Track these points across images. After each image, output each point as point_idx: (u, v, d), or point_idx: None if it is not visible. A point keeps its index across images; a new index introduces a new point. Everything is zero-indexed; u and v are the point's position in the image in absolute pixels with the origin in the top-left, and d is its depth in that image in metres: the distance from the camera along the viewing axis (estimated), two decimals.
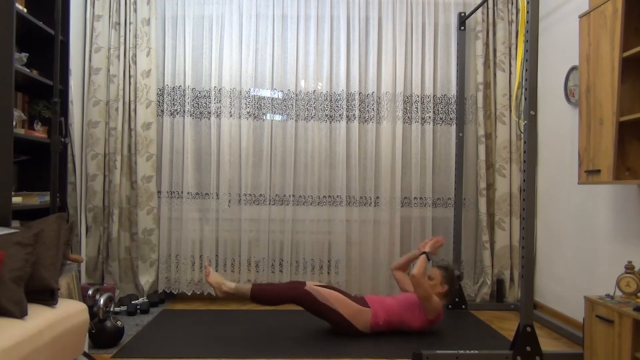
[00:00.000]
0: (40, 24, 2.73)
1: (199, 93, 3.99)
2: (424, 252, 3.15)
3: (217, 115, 3.98)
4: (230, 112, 3.96)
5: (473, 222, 4.10)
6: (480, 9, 4.00)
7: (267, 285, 3.10)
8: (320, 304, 3.04)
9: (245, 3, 3.98)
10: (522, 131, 2.81)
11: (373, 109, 4.01)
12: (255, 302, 3.07)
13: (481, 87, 4.00)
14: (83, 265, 3.82)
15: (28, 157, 2.95)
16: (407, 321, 3.11)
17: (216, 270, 3.98)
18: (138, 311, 3.57)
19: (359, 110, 4.03)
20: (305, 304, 3.06)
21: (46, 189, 2.92)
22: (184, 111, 3.96)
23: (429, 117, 4.04)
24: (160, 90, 3.99)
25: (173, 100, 3.97)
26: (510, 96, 4.01)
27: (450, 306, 3.86)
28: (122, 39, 3.88)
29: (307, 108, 4.01)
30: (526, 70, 2.68)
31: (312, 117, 4.00)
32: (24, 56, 2.75)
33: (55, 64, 2.63)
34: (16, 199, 2.60)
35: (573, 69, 3.41)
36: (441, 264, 3.32)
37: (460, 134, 3.98)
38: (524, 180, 2.69)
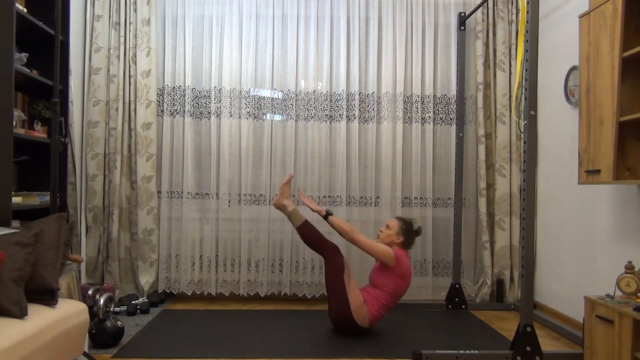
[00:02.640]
0: (40, 24, 2.73)
1: (199, 93, 3.99)
2: (327, 215, 3.18)
3: (217, 115, 3.98)
4: (230, 112, 3.96)
5: (473, 222, 4.10)
6: (480, 9, 4.00)
7: (316, 230, 3.27)
8: (341, 281, 3.07)
9: (245, 3, 3.98)
10: (522, 131, 2.81)
11: (373, 109, 4.02)
12: (300, 232, 3.28)
13: (481, 87, 4.00)
14: (83, 265, 3.82)
15: (28, 157, 2.95)
16: (381, 285, 3.10)
17: (216, 270, 3.98)
18: (138, 311, 3.57)
19: (359, 110, 4.03)
20: (329, 268, 3.12)
21: (46, 189, 2.92)
22: (184, 111, 3.96)
23: (429, 117, 4.04)
24: (160, 90, 3.99)
25: (173, 100, 3.97)
26: (510, 96, 4.01)
27: (450, 306, 3.86)
28: (122, 39, 3.88)
29: (307, 108, 4.01)
30: (526, 70, 2.68)
31: (312, 117, 4.00)
32: (24, 56, 2.75)
33: (55, 64, 2.63)
34: (16, 199, 2.60)
35: (573, 69, 3.41)
36: (402, 216, 3.33)
37: (460, 134, 3.98)
38: (524, 180, 2.69)
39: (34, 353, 1.82)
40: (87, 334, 2.69)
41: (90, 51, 3.88)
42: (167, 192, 3.97)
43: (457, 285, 3.86)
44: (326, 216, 3.19)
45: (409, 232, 3.21)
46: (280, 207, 3.36)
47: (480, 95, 4.00)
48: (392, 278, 3.09)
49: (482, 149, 4.00)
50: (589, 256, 3.20)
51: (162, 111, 3.98)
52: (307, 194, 3.99)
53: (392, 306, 3.15)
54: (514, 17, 4.05)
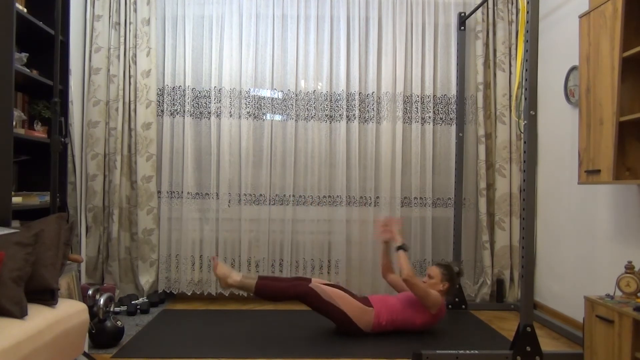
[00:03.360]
0: (40, 24, 2.73)
1: (199, 93, 3.99)
2: (399, 247, 3.13)
3: (217, 115, 3.98)
4: (230, 112, 3.96)
5: (473, 222, 4.10)
6: (480, 9, 4.00)
7: (272, 281, 3.08)
8: (324, 302, 3.04)
9: (245, 3, 3.98)
10: (522, 131, 2.80)
11: (373, 109, 4.01)
12: (260, 297, 3.06)
13: (481, 87, 4.00)
14: (83, 265, 3.82)
15: (28, 157, 2.95)
16: (410, 319, 3.11)
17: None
18: (138, 311, 3.57)
19: (359, 110, 4.03)
20: (309, 302, 3.06)
21: (46, 189, 2.92)
22: (184, 111, 3.96)
23: (429, 117, 4.04)
24: (160, 90, 3.99)
25: (173, 100, 3.97)
26: (510, 96, 4.01)
27: (450, 306, 3.86)
28: (122, 39, 3.88)
29: (307, 108, 4.01)
30: (526, 70, 2.68)
31: (312, 117, 4.00)
32: (24, 56, 2.75)
33: (55, 64, 2.63)
34: (16, 199, 2.60)
35: (573, 69, 3.41)
36: (441, 262, 3.32)
37: (460, 134, 3.98)
38: (524, 180, 2.69)
39: (34, 353, 1.82)
40: (87, 334, 2.69)
41: (90, 51, 3.88)
42: (167, 192, 3.97)
43: (457, 286, 3.85)
44: (399, 248, 3.13)
45: (452, 277, 3.21)
46: (230, 286, 3.08)
47: (480, 95, 4.00)
48: (424, 317, 3.11)
49: (482, 149, 4.00)
50: (589, 256, 3.20)
51: (162, 111, 3.98)
52: (308, 194, 3.99)
53: (401, 329, 3.16)
54: (514, 17, 4.05)
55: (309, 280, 3.12)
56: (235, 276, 3.07)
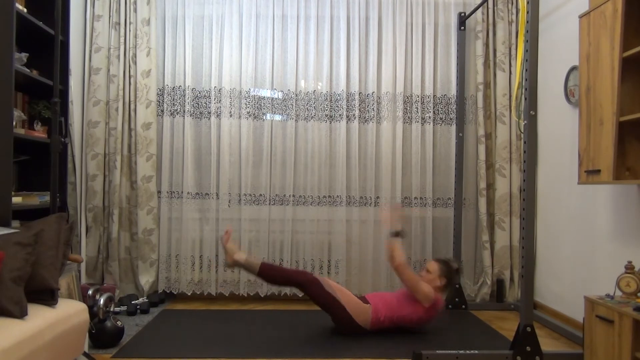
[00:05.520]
0: (40, 24, 2.73)
1: (199, 93, 3.99)
2: (395, 234, 3.11)
3: (217, 115, 3.98)
4: (230, 112, 3.97)
5: (473, 222, 4.10)
6: (480, 9, 4.00)
7: (277, 266, 3.14)
8: (326, 293, 3.05)
9: (245, 3, 3.98)
10: (522, 131, 2.81)
11: (373, 109, 4.01)
12: (263, 278, 3.10)
13: (481, 87, 4.00)
14: (83, 265, 3.82)
15: (28, 157, 2.95)
16: (407, 315, 3.10)
17: (216, 270, 3.98)
18: (138, 311, 3.57)
19: (359, 110, 4.03)
20: (311, 291, 3.06)
21: (46, 189, 2.92)
22: (184, 111, 3.96)
23: (429, 117, 4.04)
24: (160, 90, 3.99)
25: (173, 100, 3.97)
26: (510, 96, 4.01)
27: (450, 306, 3.86)
28: (122, 39, 3.88)
29: (307, 108, 4.01)
30: (526, 70, 2.68)
31: (312, 117, 4.00)
32: (24, 56, 2.75)
33: (55, 64, 2.63)
34: (16, 199, 2.60)
35: (573, 69, 3.41)
36: (440, 257, 3.32)
37: (460, 134, 3.98)
38: (524, 180, 2.69)
39: (34, 353, 1.82)
40: (87, 334, 2.69)
41: (90, 51, 3.88)
42: (167, 192, 3.97)
43: (457, 285, 3.86)
44: (396, 233, 3.12)
45: (450, 273, 3.20)
46: (235, 264, 3.13)
47: (480, 95, 4.00)
48: (420, 312, 3.11)
49: (482, 149, 4.00)
50: (589, 256, 3.20)
51: (162, 111, 3.98)
52: (308, 194, 3.99)
53: (399, 325, 3.16)
54: (514, 17, 4.05)
55: (312, 273, 3.14)
56: (242, 254, 3.12)
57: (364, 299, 3.15)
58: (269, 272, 3.08)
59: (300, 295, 4.04)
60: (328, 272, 4.01)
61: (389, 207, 3.21)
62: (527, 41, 2.69)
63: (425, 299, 3.06)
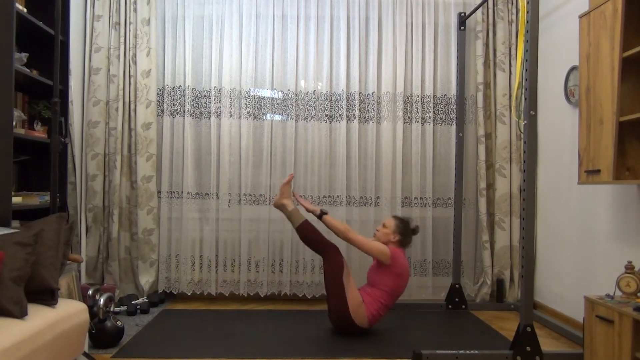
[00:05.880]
0: (40, 24, 2.73)
1: (199, 93, 3.99)
2: (322, 213, 3.22)
3: (217, 115, 3.98)
4: (230, 112, 3.97)
5: (473, 222, 4.10)
6: (480, 9, 4.00)
7: (316, 230, 3.24)
8: (340, 281, 3.06)
9: (245, 3, 3.98)
10: (522, 131, 2.81)
11: (373, 109, 4.01)
12: (301, 231, 3.23)
13: (481, 87, 4.00)
14: (83, 265, 3.82)
15: (28, 157, 2.95)
16: (382, 285, 3.10)
17: (216, 270, 3.98)
18: (138, 311, 3.57)
19: (359, 110, 4.03)
20: (330, 267, 3.10)
21: (46, 189, 2.92)
22: (184, 111, 3.96)
23: (429, 117, 4.04)
24: (160, 90, 3.99)
25: (173, 100, 3.97)
26: (510, 96, 4.01)
27: (450, 306, 3.86)
28: (122, 39, 3.88)
29: (307, 108, 4.01)
30: (526, 70, 2.68)
31: (312, 117, 4.00)
32: (24, 56, 2.75)
33: (55, 64, 2.63)
34: (16, 199, 2.60)
35: (573, 69, 3.41)
36: (399, 215, 3.33)
37: (460, 134, 3.98)
38: (524, 180, 2.69)
39: (34, 353, 1.82)
40: (87, 334, 2.69)
41: (90, 51, 3.88)
42: (167, 192, 3.97)
43: (457, 285, 3.86)
44: (320, 215, 3.22)
45: (405, 231, 3.21)
46: (280, 207, 3.34)
47: (480, 95, 4.00)
48: (390, 276, 3.10)
49: (482, 149, 4.00)
50: (589, 256, 3.20)
51: (162, 111, 3.98)
52: (308, 194, 3.99)
53: (391, 305, 3.15)
54: (514, 17, 4.05)
55: (342, 257, 3.17)
56: (292, 203, 3.33)
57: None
58: (306, 231, 3.22)
59: (300, 295, 4.04)
60: None
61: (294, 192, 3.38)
62: (527, 41, 2.69)
63: (381, 254, 3.06)
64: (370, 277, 3.19)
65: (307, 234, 3.22)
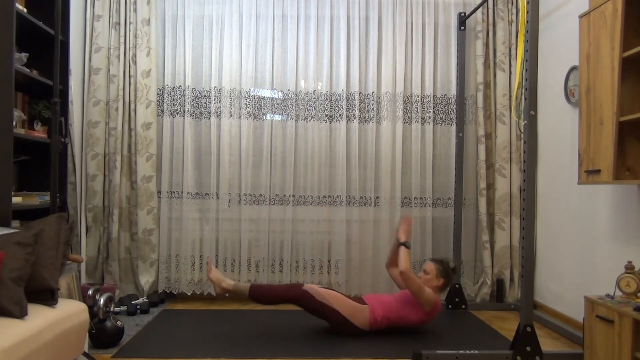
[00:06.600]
0: (40, 24, 2.73)
1: (199, 93, 3.99)
2: (401, 244, 3.18)
3: (217, 115, 3.98)
4: (230, 112, 3.97)
5: (473, 222, 4.10)
6: (480, 9, 4.00)
7: (266, 285, 3.14)
8: (318, 303, 3.06)
9: (245, 3, 3.98)
10: (522, 131, 2.81)
11: (373, 109, 4.01)
12: (254, 300, 3.10)
13: (481, 87, 4.00)
14: (83, 265, 3.82)
15: (28, 157, 2.95)
16: (405, 316, 3.12)
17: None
18: (138, 311, 3.56)
19: (359, 110, 4.03)
20: (303, 304, 3.08)
21: (46, 189, 2.92)
22: (184, 111, 3.96)
23: (429, 117, 4.04)
24: (160, 90, 3.99)
25: (173, 100, 3.97)
26: (510, 96, 4.01)
27: (450, 306, 3.86)
28: (122, 39, 3.88)
29: (307, 108, 4.01)
30: (526, 70, 2.68)
31: (312, 117, 4.00)
32: (24, 56, 2.75)
33: (55, 64, 2.63)
34: (16, 199, 2.60)
35: (573, 69, 3.41)
36: (436, 257, 3.34)
37: (460, 134, 3.98)
38: (524, 180, 2.69)
39: (34, 353, 1.82)
40: (87, 334, 2.69)
41: (90, 51, 3.88)
42: (167, 192, 3.97)
43: (457, 285, 3.86)
44: (402, 244, 3.18)
45: (447, 273, 3.22)
46: (224, 292, 3.14)
47: (480, 95, 4.00)
48: (420, 315, 3.13)
49: (482, 149, 4.00)
50: (589, 256, 3.20)
51: (162, 111, 3.98)
52: (308, 194, 4.00)
53: (398, 326, 3.18)
54: (514, 17, 4.05)
55: (302, 285, 3.14)
56: (229, 281, 3.14)
57: (360, 300, 3.16)
58: (258, 293, 3.09)
59: None
60: (328, 272, 4.01)
61: (405, 222, 3.29)
62: (527, 41, 2.69)
63: (427, 303, 3.07)
64: (400, 301, 3.16)
65: (263, 295, 3.09)
